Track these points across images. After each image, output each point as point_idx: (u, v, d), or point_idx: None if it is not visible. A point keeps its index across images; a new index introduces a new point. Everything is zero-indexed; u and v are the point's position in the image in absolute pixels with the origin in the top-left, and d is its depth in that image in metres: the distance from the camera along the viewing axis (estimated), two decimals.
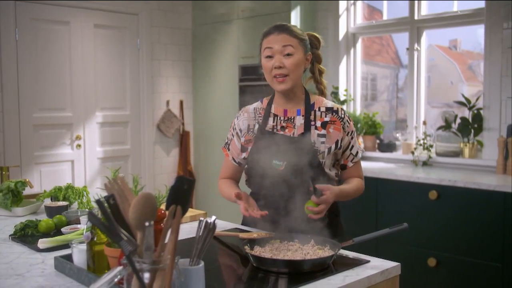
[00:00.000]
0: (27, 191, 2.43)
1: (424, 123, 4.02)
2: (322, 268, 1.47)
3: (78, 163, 4.46)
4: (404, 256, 3.28)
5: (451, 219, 3.18)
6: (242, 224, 2.04)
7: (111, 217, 1.11)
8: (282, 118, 1.91)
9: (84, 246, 1.43)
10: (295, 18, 4.20)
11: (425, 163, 3.80)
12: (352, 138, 1.91)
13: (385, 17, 4.42)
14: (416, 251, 3.33)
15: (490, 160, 3.54)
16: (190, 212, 2.15)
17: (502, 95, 3.51)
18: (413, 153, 3.87)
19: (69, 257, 1.48)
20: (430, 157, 3.78)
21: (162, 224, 1.36)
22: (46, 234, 1.88)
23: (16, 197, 2.28)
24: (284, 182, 1.79)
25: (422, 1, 4.02)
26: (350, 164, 1.93)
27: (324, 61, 2.01)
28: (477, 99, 3.68)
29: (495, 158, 3.50)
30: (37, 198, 2.37)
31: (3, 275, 1.45)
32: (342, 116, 1.89)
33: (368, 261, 1.55)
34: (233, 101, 4.65)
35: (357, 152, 1.94)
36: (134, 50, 4.76)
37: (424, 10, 4.04)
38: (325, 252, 1.57)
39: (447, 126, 3.75)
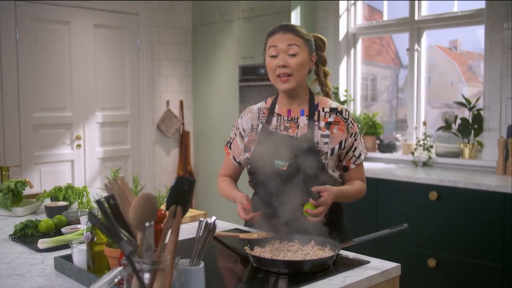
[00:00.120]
0: (27, 191, 2.43)
1: (424, 123, 4.02)
2: (322, 269, 1.47)
3: (78, 163, 4.46)
4: (404, 256, 3.29)
5: (451, 220, 3.18)
6: (245, 225, 2.03)
7: (111, 217, 1.11)
8: (285, 118, 1.90)
9: (84, 246, 1.43)
10: (295, 18, 4.20)
11: (425, 164, 3.80)
12: (355, 139, 1.90)
13: (385, 17, 4.42)
14: (416, 251, 3.33)
15: (490, 161, 3.54)
16: (190, 212, 2.15)
17: (502, 95, 3.51)
18: (413, 153, 3.87)
19: (69, 257, 1.48)
20: (430, 157, 3.78)
21: (162, 225, 1.36)
22: (46, 234, 1.87)
23: (16, 197, 2.28)
24: (286, 182, 1.78)
25: (422, 1, 4.02)
26: (352, 166, 1.91)
27: None
28: (477, 100, 3.68)
29: (495, 159, 3.50)
30: (37, 198, 2.37)
31: (3, 275, 1.45)
32: (346, 117, 1.88)
33: (368, 262, 1.55)
34: (233, 101, 4.65)
35: (360, 154, 1.92)
36: (134, 50, 4.76)
37: (424, 10, 4.04)
38: (325, 252, 1.57)
39: (447, 126, 3.75)
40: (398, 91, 4.66)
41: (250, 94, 4.44)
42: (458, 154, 3.76)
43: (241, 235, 1.81)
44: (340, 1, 4.35)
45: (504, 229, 2.96)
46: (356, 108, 4.48)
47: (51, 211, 2.10)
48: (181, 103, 5.08)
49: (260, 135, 1.90)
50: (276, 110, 1.93)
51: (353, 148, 1.90)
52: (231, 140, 2.03)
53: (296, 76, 1.82)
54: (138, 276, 1.04)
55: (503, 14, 3.46)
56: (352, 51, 4.46)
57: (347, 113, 1.89)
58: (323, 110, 1.88)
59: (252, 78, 4.44)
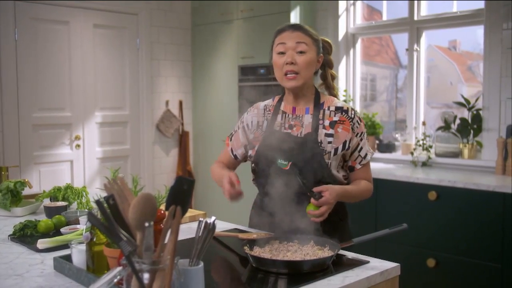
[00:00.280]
0: (26, 191, 2.43)
1: (424, 123, 4.02)
2: (322, 269, 1.47)
3: (78, 163, 4.45)
4: (404, 256, 3.29)
5: (450, 220, 3.18)
6: (249, 226, 2.03)
7: (110, 218, 1.11)
8: (290, 116, 1.89)
9: (83, 247, 1.43)
10: (294, 18, 4.19)
11: (424, 164, 3.80)
12: (361, 139, 1.87)
13: (384, 17, 4.42)
14: (415, 251, 3.33)
15: (489, 161, 3.54)
16: (190, 212, 2.15)
17: (501, 95, 3.51)
18: (412, 153, 3.87)
19: (68, 258, 1.48)
20: (429, 157, 3.78)
21: (161, 225, 1.36)
22: (45, 235, 1.87)
23: (15, 197, 2.28)
24: (289, 182, 1.77)
25: (421, 1, 4.02)
26: (358, 166, 1.89)
27: None
28: (476, 100, 3.68)
29: (494, 159, 3.50)
30: (36, 198, 2.37)
31: (2, 275, 1.45)
32: (352, 116, 1.86)
33: (367, 262, 1.55)
34: (232, 101, 4.65)
35: (366, 155, 1.89)
36: (134, 50, 4.76)
37: (424, 10, 4.04)
38: (324, 252, 1.57)
39: (446, 126, 3.76)
40: (397, 91, 4.66)
41: (250, 94, 4.44)
42: (457, 154, 3.76)
43: (241, 235, 1.82)
44: (339, 1, 4.35)
45: (503, 229, 2.96)
46: (356, 108, 4.48)
47: (50, 211, 2.09)
48: (181, 103, 5.08)
49: (264, 133, 1.89)
50: (282, 107, 1.92)
51: (358, 148, 1.87)
52: (233, 133, 2.04)
53: (303, 74, 1.81)
54: (137, 276, 1.04)
55: (502, 14, 3.46)
56: (351, 51, 4.46)
57: (353, 112, 1.87)
58: (328, 108, 1.87)
59: (251, 78, 4.44)
